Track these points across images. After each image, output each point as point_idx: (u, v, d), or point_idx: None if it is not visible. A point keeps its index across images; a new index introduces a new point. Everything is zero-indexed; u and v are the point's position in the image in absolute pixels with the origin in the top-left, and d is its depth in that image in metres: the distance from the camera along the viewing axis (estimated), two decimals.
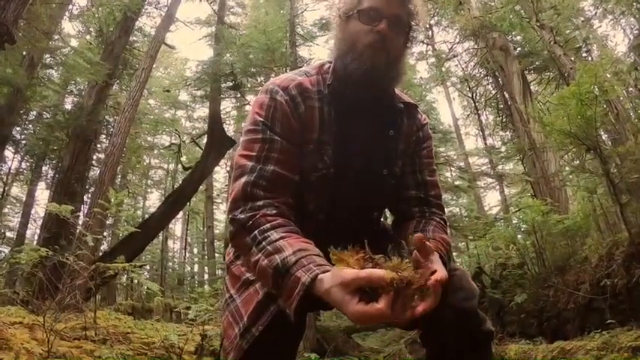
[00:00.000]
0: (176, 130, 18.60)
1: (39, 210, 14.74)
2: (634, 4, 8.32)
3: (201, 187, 15.56)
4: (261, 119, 1.25)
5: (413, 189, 1.41)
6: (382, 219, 1.57)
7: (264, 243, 1.08)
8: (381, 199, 1.44)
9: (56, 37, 11.86)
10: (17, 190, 17.42)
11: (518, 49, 13.49)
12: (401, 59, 1.33)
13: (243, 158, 1.22)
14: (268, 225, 1.11)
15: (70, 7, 12.02)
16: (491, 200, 34.68)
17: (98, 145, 13.93)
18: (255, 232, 1.10)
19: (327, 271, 0.96)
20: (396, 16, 1.26)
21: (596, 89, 5.84)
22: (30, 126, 13.95)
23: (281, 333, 1.21)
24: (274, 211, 1.15)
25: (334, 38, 1.38)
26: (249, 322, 1.22)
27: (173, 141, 18.99)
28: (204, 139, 14.04)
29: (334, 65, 1.34)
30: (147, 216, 16.02)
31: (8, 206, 16.19)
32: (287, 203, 1.20)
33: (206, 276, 21.39)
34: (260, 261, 1.06)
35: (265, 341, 1.20)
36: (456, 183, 15.42)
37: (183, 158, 18.48)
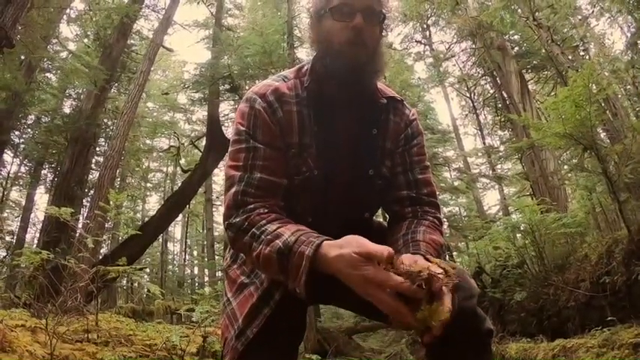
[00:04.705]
0: (175, 132, 18.66)
1: (38, 214, 14.73)
2: (630, 1, 8.33)
3: (200, 189, 15.56)
4: (244, 129, 1.27)
5: (404, 189, 1.38)
6: (381, 220, 1.57)
7: (262, 236, 1.11)
8: (370, 200, 1.41)
9: (54, 41, 11.89)
10: (16, 195, 17.38)
11: (516, 48, 13.53)
12: (379, 51, 1.31)
13: (232, 169, 1.25)
14: (264, 221, 1.14)
15: (68, 10, 12.04)
16: (491, 199, 34.74)
17: (97, 149, 13.97)
18: (253, 229, 1.14)
19: (329, 239, 1.01)
20: (368, 7, 1.24)
21: (594, 87, 5.84)
22: (29, 130, 13.98)
23: (277, 335, 1.23)
24: (266, 210, 1.18)
25: (310, 40, 1.36)
26: (244, 325, 1.24)
27: (172, 144, 19.02)
28: (203, 142, 14.07)
29: (312, 67, 1.33)
30: (146, 219, 16.03)
31: (7, 210, 16.15)
32: (277, 205, 1.23)
33: (206, 278, 21.37)
34: (262, 251, 1.09)
35: (261, 343, 1.22)
36: (455, 184, 15.44)
37: (182, 161, 18.49)
